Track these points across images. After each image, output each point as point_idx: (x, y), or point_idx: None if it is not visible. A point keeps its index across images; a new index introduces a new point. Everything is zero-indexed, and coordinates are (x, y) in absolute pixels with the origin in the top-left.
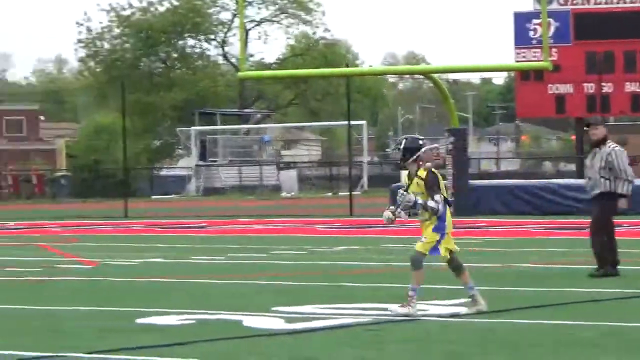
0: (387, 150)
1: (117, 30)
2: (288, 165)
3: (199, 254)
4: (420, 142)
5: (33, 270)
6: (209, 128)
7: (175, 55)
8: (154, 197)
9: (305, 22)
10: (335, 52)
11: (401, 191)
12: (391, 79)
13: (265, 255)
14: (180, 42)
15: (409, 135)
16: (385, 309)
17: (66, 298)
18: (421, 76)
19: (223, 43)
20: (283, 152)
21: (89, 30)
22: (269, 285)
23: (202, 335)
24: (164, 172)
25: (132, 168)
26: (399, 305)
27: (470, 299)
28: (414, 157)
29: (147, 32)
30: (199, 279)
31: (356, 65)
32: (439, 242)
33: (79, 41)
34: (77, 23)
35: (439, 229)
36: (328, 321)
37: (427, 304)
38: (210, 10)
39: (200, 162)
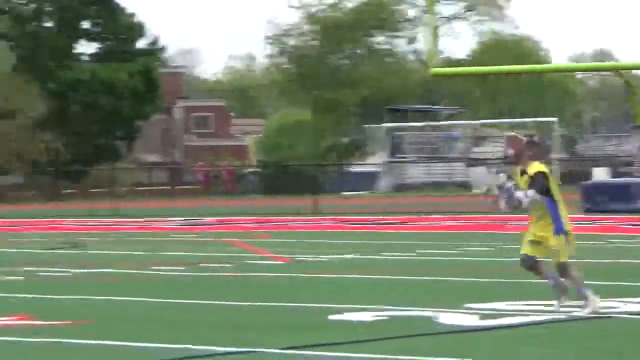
0: (575, 147)
1: (305, 27)
2: (477, 162)
3: (389, 251)
4: (537, 141)
5: (225, 266)
6: (398, 125)
7: (362, 52)
8: (343, 193)
9: (495, 19)
10: (525, 49)
11: (503, 177)
12: (579, 75)
13: (455, 252)
14: (368, 39)
15: (527, 134)
16: (568, 305)
17: (258, 294)
18: (609, 73)
19: (411, 40)
20: (473, 149)
21: (277, 27)
22: (460, 282)
23: (394, 331)
24: (353, 169)
25: (322, 164)
26: (585, 309)
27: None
28: (528, 155)
29: (334, 29)
30: (390, 275)
31: (546, 62)
32: (565, 242)
33: (268, 38)
34: (267, 20)
35: (559, 230)
36: (518, 318)
37: (618, 301)
38: (398, 7)
39: (390, 159)
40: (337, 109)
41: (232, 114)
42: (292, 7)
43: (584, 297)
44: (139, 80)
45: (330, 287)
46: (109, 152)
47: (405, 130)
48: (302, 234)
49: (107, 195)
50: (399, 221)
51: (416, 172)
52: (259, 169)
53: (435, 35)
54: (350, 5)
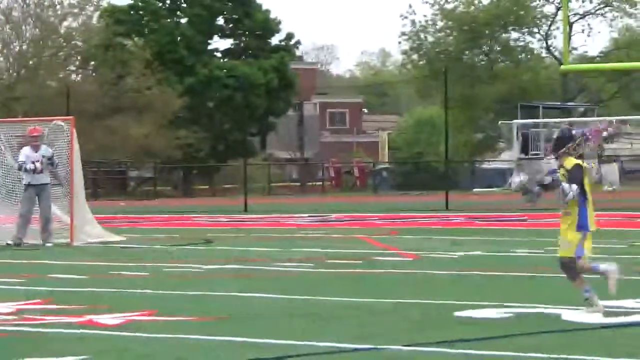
0: None
1: (440, 24)
2: (609, 159)
3: (518, 247)
4: (573, 133)
5: (354, 262)
6: (531, 121)
7: (498, 48)
8: (475, 190)
9: (630, 15)
10: None
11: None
12: None
13: None
14: (504, 35)
15: (563, 126)
16: None
17: (385, 290)
18: None
19: (546, 36)
20: (605, 146)
21: (412, 23)
22: (588, 279)
23: (520, 328)
24: (485, 165)
25: (454, 161)
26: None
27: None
28: (565, 148)
29: (470, 25)
30: (518, 272)
31: None
32: (581, 240)
33: (403, 34)
34: (402, 16)
35: (582, 227)
36: None
37: None
38: (534, 4)
39: (522, 155)
40: (473, 105)
41: (365, 110)
42: (426, 2)
43: (589, 299)
44: (273, 77)
45: (457, 284)
46: (242, 148)
47: (538, 126)
48: (432, 230)
49: (239, 192)
50: (529, 218)
51: (548, 169)
52: (391, 165)
53: (567, 33)
54: (485, 2)
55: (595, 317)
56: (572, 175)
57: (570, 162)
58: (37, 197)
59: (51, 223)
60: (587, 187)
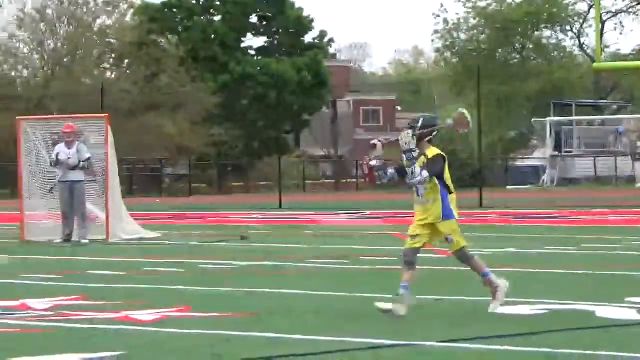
0: None
1: (473, 22)
2: None
3: (552, 244)
4: (437, 122)
5: (388, 259)
6: (564, 119)
7: (530, 46)
8: (509, 187)
9: None
10: None
11: (410, 133)
12: None
13: (618, 246)
14: (536, 33)
15: (426, 114)
16: None
17: (421, 287)
18: None
19: (579, 34)
20: (639, 144)
21: (445, 21)
22: (622, 276)
23: (554, 325)
24: (519, 163)
25: (488, 158)
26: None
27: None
28: (430, 136)
29: (502, 23)
30: (552, 269)
31: None
32: (458, 228)
33: (436, 32)
34: (434, 15)
35: (448, 216)
36: None
37: None
38: (567, 2)
39: (556, 153)
40: (506, 103)
41: (399, 107)
42: (459, 1)
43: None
44: (307, 74)
45: None
46: (276, 145)
47: (571, 124)
48: (467, 227)
49: (273, 189)
50: (562, 215)
51: (581, 166)
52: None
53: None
54: (517, 0)
55: (629, 314)
56: (431, 164)
57: (433, 151)
58: (70, 194)
59: (86, 220)
60: (447, 177)
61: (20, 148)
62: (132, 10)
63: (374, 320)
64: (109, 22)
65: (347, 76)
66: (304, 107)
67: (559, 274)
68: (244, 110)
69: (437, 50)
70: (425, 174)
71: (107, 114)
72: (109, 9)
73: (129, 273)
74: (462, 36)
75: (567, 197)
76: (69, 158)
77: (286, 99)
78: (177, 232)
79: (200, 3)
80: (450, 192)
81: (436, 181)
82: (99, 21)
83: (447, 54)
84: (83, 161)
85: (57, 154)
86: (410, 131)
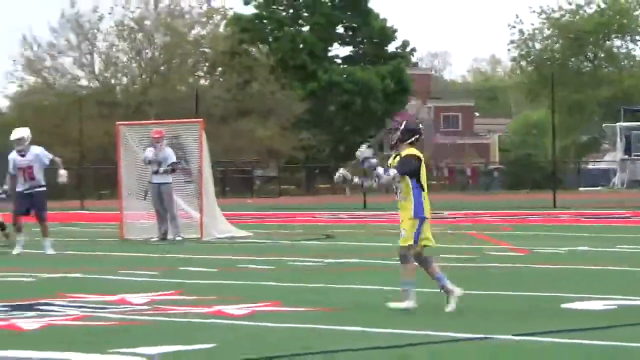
0: None
1: (547, 32)
2: None
3: (622, 243)
4: (421, 126)
5: (467, 257)
6: (634, 124)
7: (602, 55)
8: (581, 189)
9: None
10: None
11: (364, 146)
12: None
13: None
14: (607, 43)
15: (409, 117)
16: None
17: (497, 283)
18: None
19: None
20: None
21: (520, 32)
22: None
23: (622, 319)
24: (590, 166)
25: (561, 161)
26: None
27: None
28: (411, 140)
29: (575, 34)
30: (622, 267)
31: None
32: (419, 228)
33: (512, 42)
34: (509, 26)
35: (418, 213)
36: None
37: None
38: (637, 12)
39: (626, 156)
40: (578, 109)
41: (477, 113)
42: (534, 12)
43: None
44: (390, 82)
45: (564, 277)
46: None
47: None
48: (541, 227)
49: (359, 190)
50: (632, 215)
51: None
52: (501, 166)
53: None
54: (590, 11)
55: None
56: (401, 163)
57: (407, 151)
58: (159, 196)
59: (176, 219)
60: (422, 177)
61: (119, 151)
62: (225, 21)
63: (454, 315)
64: (203, 32)
65: (428, 83)
66: (388, 113)
67: (628, 271)
68: (330, 116)
69: (513, 59)
70: (393, 171)
71: (201, 119)
72: (203, 19)
73: (221, 270)
74: (537, 46)
75: (637, 198)
76: (157, 161)
77: (370, 106)
78: (267, 230)
79: (290, 14)
80: (423, 190)
81: (408, 181)
82: (193, 31)
83: (523, 63)
84: (168, 165)
85: (145, 156)
86: (364, 145)
